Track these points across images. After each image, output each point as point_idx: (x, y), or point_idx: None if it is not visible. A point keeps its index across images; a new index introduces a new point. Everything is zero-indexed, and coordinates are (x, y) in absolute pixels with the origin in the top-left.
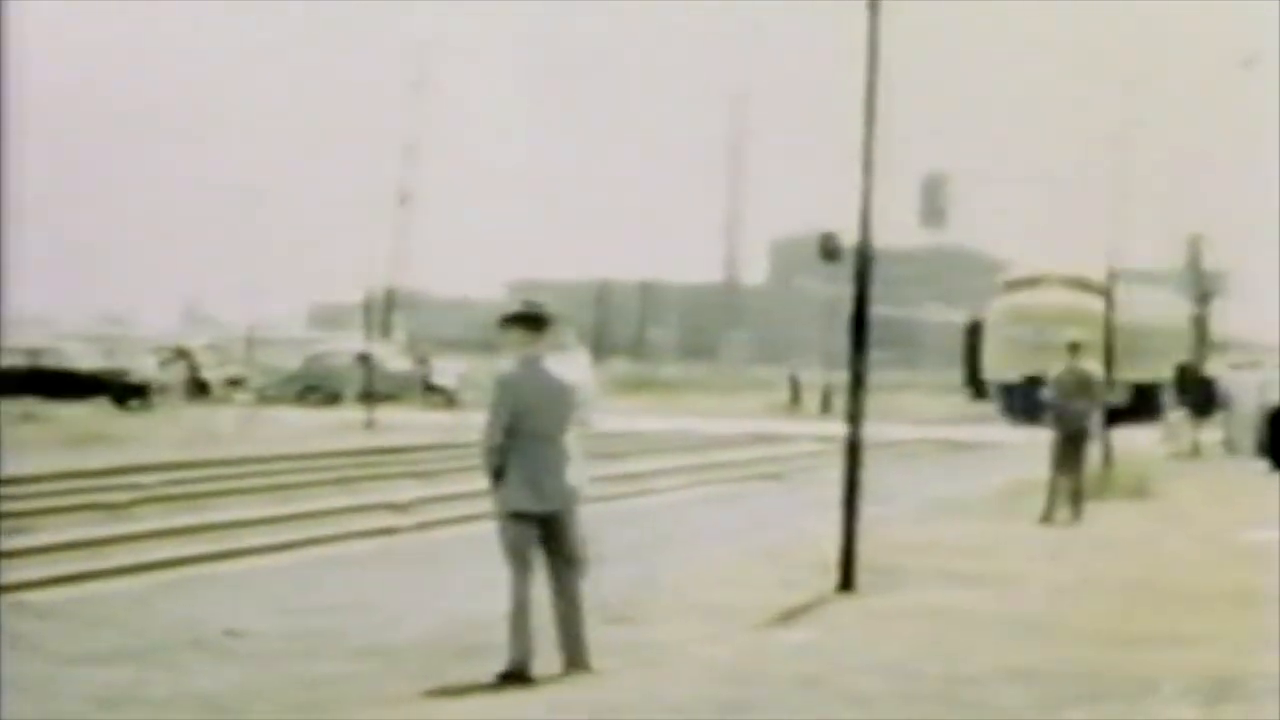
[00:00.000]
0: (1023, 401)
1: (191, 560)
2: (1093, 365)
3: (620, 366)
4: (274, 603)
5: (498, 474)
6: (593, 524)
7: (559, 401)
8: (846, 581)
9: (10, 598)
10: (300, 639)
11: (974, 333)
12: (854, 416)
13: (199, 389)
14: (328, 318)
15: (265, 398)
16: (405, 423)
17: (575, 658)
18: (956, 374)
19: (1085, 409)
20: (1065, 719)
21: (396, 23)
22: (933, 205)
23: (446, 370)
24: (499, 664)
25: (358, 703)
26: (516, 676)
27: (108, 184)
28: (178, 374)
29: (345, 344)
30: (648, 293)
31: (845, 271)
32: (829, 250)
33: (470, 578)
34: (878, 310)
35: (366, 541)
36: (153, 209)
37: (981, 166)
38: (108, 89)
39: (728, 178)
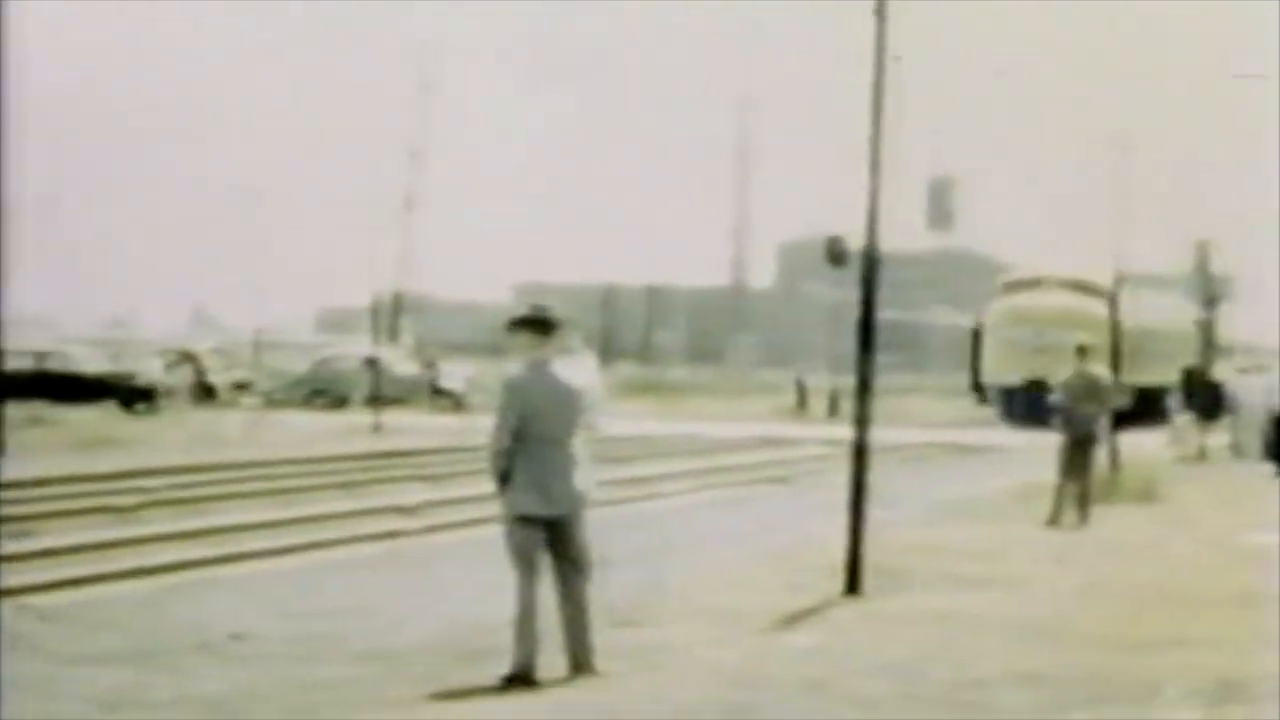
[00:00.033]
0: (1022, 405)
1: (197, 564)
2: (1101, 369)
3: (627, 370)
4: (279, 606)
5: (505, 478)
6: (599, 527)
7: (566, 405)
8: (853, 585)
9: (16, 600)
10: (305, 642)
11: (980, 336)
12: (861, 420)
13: (205, 393)
14: (335, 321)
15: (272, 401)
16: (413, 426)
17: (581, 661)
18: (963, 378)
19: (1093, 413)
20: None
21: (401, 23)
22: (940, 208)
23: (454, 374)
24: (504, 667)
25: (362, 706)
26: (522, 679)
27: (113, 186)
28: (184, 378)
29: (352, 348)
30: (654, 296)
31: (852, 275)
32: (836, 254)
33: (477, 581)
34: (884, 314)
35: (373, 545)
36: (158, 211)
37: (989, 170)
38: (111, 90)
39: (734, 181)
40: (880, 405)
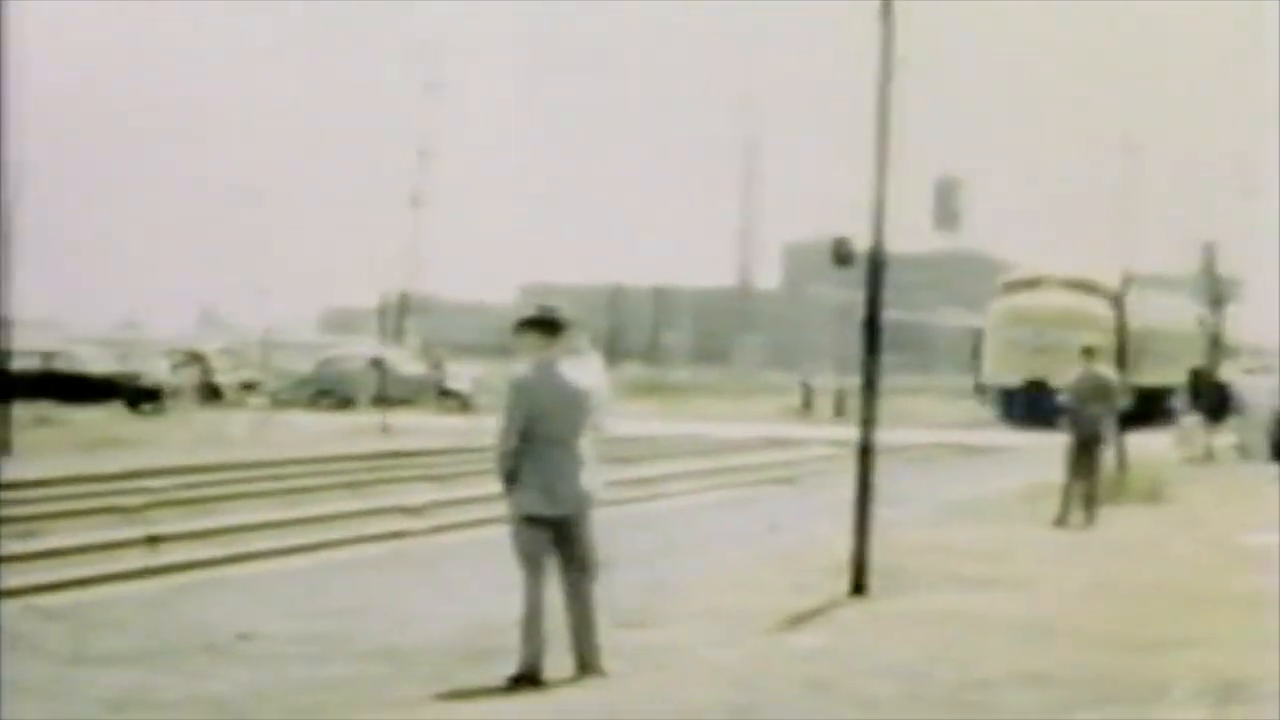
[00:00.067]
0: (1022, 406)
1: (204, 564)
2: (1108, 370)
3: (633, 370)
4: (285, 606)
5: (511, 478)
6: (605, 528)
7: (573, 406)
8: (858, 585)
9: (23, 600)
10: (311, 642)
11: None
12: (866, 421)
13: (212, 393)
14: (341, 321)
15: (279, 402)
16: (419, 427)
17: (587, 661)
18: (969, 379)
19: (1100, 413)
20: None
21: (404, 23)
22: (946, 209)
23: (460, 374)
24: (510, 667)
25: (368, 706)
26: (528, 679)
27: (119, 187)
28: (191, 378)
29: (359, 348)
30: (660, 297)
31: (858, 276)
32: (842, 255)
33: (483, 581)
34: (890, 315)
35: (380, 545)
36: (164, 212)
37: (995, 170)
38: (115, 90)
39: (740, 182)
40: (886, 406)
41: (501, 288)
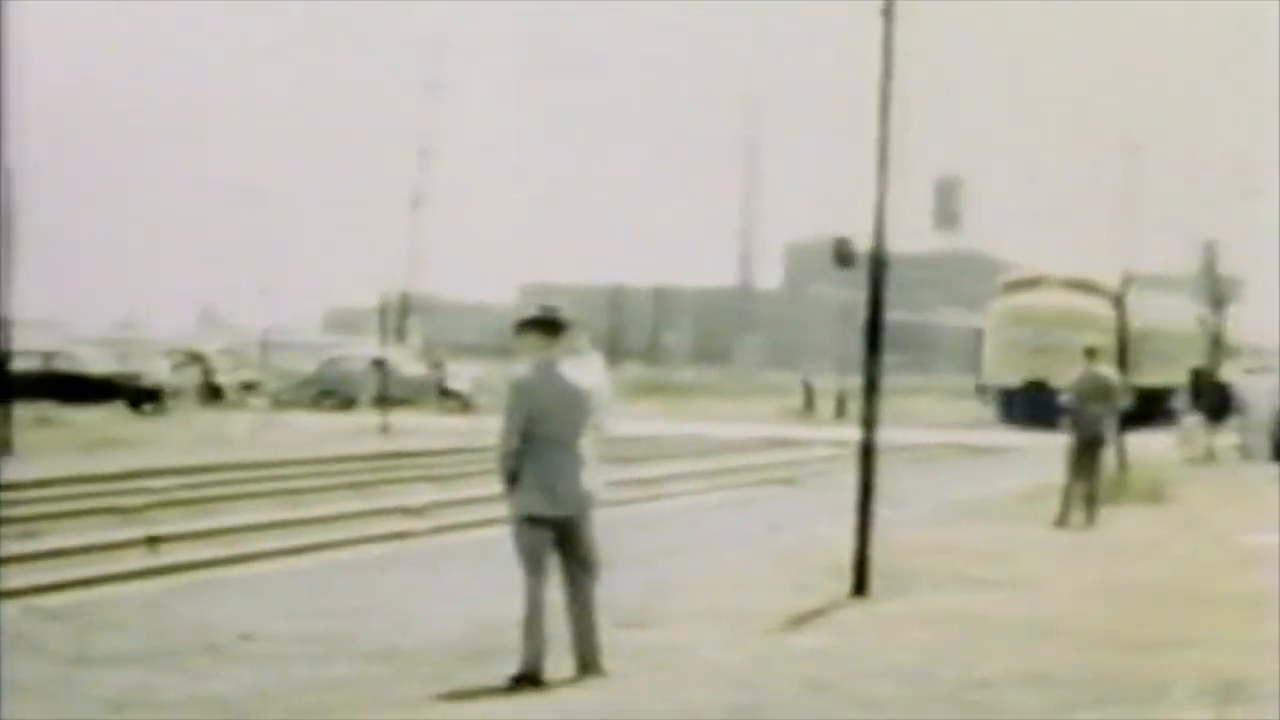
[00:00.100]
0: (1022, 406)
1: (205, 564)
2: (1110, 370)
3: (634, 371)
4: (287, 606)
5: (513, 478)
6: (607, 528)
7: (574, 406)
8: (860, 586)
9: (24, 601)
10: (313, 643)
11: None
12: (868, 421)
13: (213, 393)
14: (342, 322)
15: (280, 402)
16: (420, 427)
17: (588, 661)
18: (970, 379)
19: (1102, 414)
20: None
21: (406, 23)
22: (947, 209)
23: (461, 375)
24: (511, 667)
25: (370, 706)
26: (529, 680)
27: (120, 187)
28: (192, 378)
29: (360, 348)
30: (661, 297)
31: (859, 276)
32: (843, 255)
33: (484, 581)
34: (892, 315)
35: (381, 546)
36: (165, 212)
37: (996, 170)
38: (116, 90)
39: (742, 182)
40: (887, 406)
41: (502, 288)
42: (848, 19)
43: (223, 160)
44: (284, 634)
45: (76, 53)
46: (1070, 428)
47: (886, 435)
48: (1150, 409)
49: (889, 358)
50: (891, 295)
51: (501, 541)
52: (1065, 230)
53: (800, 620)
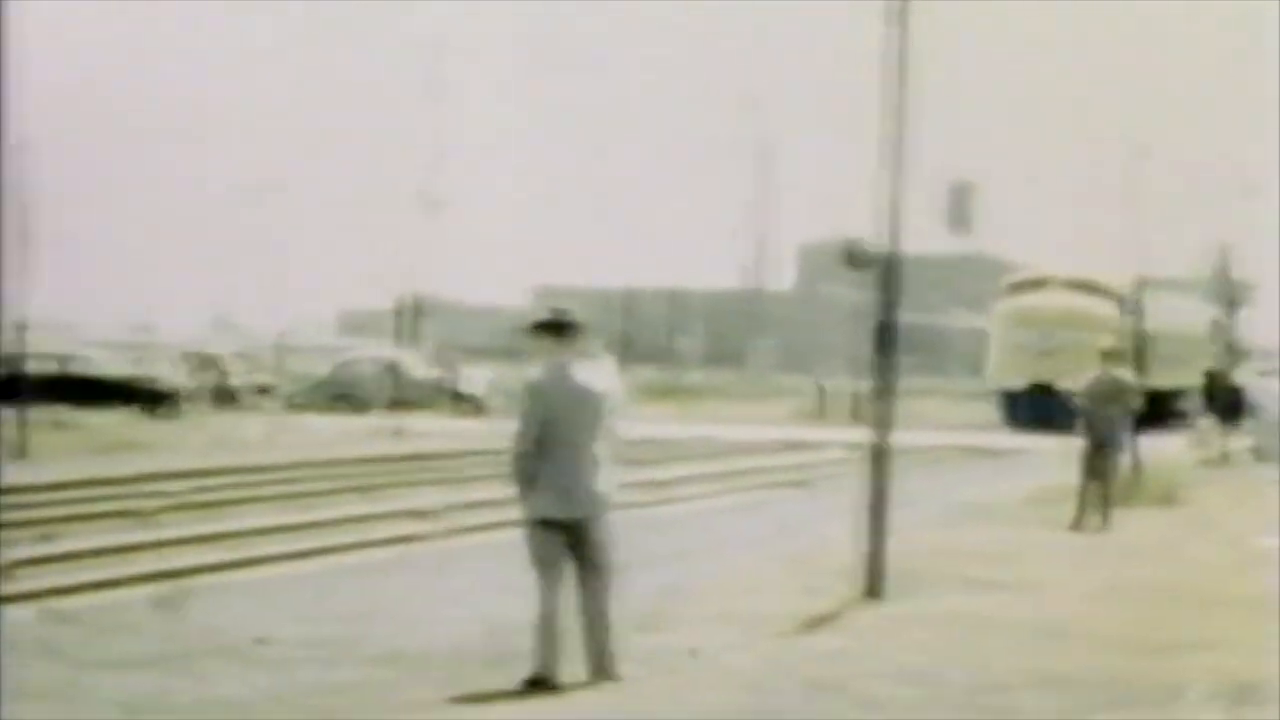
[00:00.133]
0: (1027, 409)
1: (217, 567)
2: (1124, 372)
3: (646, 373)
4: (298, 610)
5: (526, 481)
6: (619, 531)
7: (587, 409)
8: (872, 588)
9: (38, 604)
10: (324, 646)
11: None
12: (880, 423)
13: (227, 396)
14: (356, 324)
15: (293, 405)
16: (433, 430)
17: (601, 665)
18: (981, 381)
19: (1116, 416)
20: None
21: (415, 23)
22: (959, 211)
23: (474, 378)
24: (524, 670)
25: (382, 709)
26: (542, 683)
27: (133, 190)
28: (205, 382)
29: (373, 351)
30: (673, 300)
31: (871, 278)
32: (854, 257)
33: (497, 585)
34: (903, 317)
35: (392, 549)
36: (178, 215)
37: (1008, 172)
38: (127, 91)
39: (752, 183)
40: (899, 407)
41: (514, 291)
42: (856, 19)
43: (233, 162)
44: (295, 638)
45: (84, 54)
46: (1084, 430)
47: (898, 437)
48: (1160, 411)
49: (900, 359)
50: (903, 297)
51: (513, 544)
52: (1076, 232)
53: (812, 623)
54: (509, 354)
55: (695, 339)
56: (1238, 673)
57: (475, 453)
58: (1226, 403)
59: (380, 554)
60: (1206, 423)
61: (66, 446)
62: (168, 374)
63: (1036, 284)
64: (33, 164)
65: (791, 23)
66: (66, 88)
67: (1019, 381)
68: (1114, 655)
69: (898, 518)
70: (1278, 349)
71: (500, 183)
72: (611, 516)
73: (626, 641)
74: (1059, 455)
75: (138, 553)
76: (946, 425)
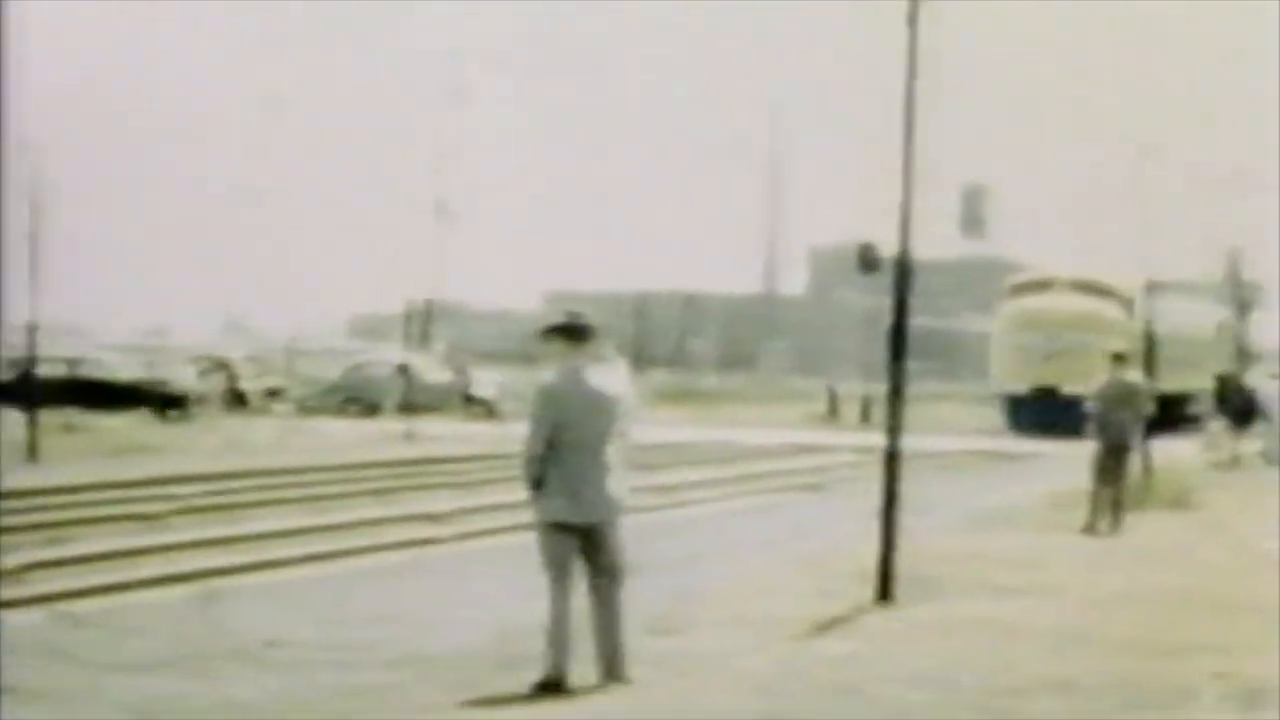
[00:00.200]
0: (1031, 414)
1: (229, 571)
2: (1137, 376)
3: (659, 377)
4: (311, 613)
5: (538, 484)
6: (632, 534)
7: (601, 412)
8: (885, 592)
9: (50, 607)
10: (337, 649)
11: None
12: (893, 427)
13: (238, 400)
14: (368, 328)
15: (305, 409)
16: (445, 434)
17: (613, 668)
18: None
19: (1128, 420)
20: None
21: (431, 28)
22: (973, 215)
23: (486, 381)
24: (536, 674)
25: (395, 712)
26: (553, 686)
27: (145, 193)
28: (217, 385)
29: (385, 355)
30: (687, 304)
31: (884, 281)
32: (867, 261)
33: (508, 588)
34: (916, 321)
35: (404, 552)
36: (190, 218)
37: (1021, 176)
38: (128, 93)
39: (767, 187)
40: (911, 412)
41: (527, 294)
42: (868, 22)
43: (249, 166)
44: (309, 640)
45: (93, 55)
46: (1096, 434)
47: (910, 441)
48: (1169, 414)
49: (912, 363)
50: (916, 301)
51: (525, 548)
52: (1089, 235)
53: (825, 626)
54: (521, 357)
55: (708, 343)
56: (1250, 676)
57: (487, 456)
58: (1238, 406)
59: (393, 557)
60: (1217, 426)
61: (77, 449)
62: (179, 377)
63: (1041, 285)
64: (44, 168)
65: (804, 27)
66: (67, 88)
67: (1022, 385)
68: (1126, 659)
69: (910, 522)
70: None
71: (513, 186)
72: (623, 520)
73: (638, 644)
74: (1071, 459)
75: (148, 556)
76: (959, 429)
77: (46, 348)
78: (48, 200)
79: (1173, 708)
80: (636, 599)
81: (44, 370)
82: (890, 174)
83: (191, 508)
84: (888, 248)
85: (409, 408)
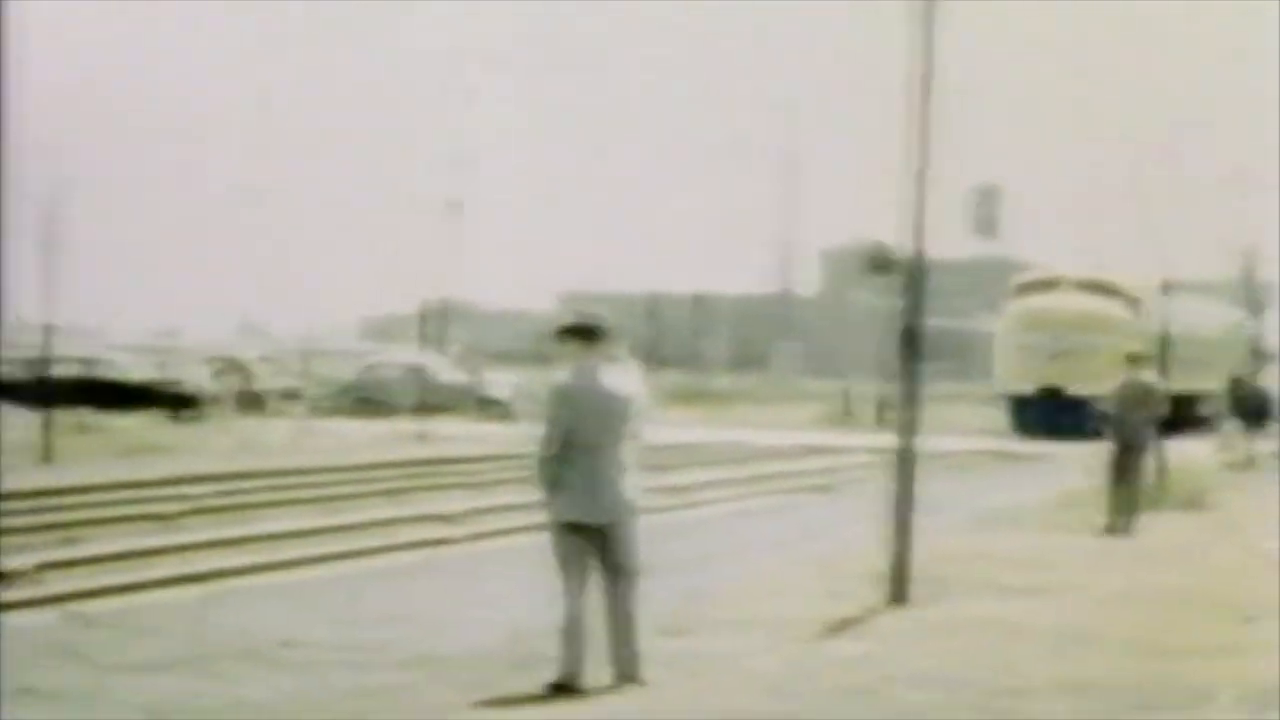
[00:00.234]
0: (1036, 415)
1: (242, 571)
2: (1151, 377)
3: (672, 378)
4: (324, 613)
5: (551, 484)
6: (644, 535)
7: (614, 413)
8: (897, 593)
9: (63, 607)
10: (351, 649)
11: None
12: (905, 428)
13: (252, 400)
14: (382, 329)
15: (319, 409)
16: (458, 434)
17: (626, 669)
18: None
19: (1143, 421)
20: None
21: (444, 29)
22: (984, 215)
23: (500, 382)
24: (549, 674)
25: (408, 713)
26: (567, 687)
27: (159, 194)
28: (230, 385)
29: (399, 355)
30: (699, 304)
31: (897, 282)
32: (880, 262)
33: (521, 589)
34: (928, 321)
35: (417, 553)
36: (204, 219)
37: (1032, 176)
38: (130, 93)
39: (780, 188)
40: (924, 412)
41: (540, 295)
42: (876, 22)
43: (264, 167)
44: (322, 641)
45: (98, 55)
46: (1111, 434)
47: (923, 442)
48: (1180, 415)
49: (926, 364)
50: (928, 302)
51: (538, 548)
52: (1103, 235)
53: (837, 627)
54: (535, 358)
55: (720, 343)
56: (1263, 678)
57: (501, 457)
58: (1251, 407)
59: (407, 558)
60: (1231, 426)
61: (91, 450)
62: (192, 378)
63: (1047, 285)
64: (57, 169)
65: (817, 27)
66: (67, 88)
67: (1027, 386)
68: (1138, 660)
69: (923, 522)
70: None
71: (526, 187)
72: (636, 520)
73: (650, 645)
74: (1077, 460)
75: (161, 556)
76: (972, 430)
77: (60, 348)
78: (61, 201)
79: (1186, 708)
80: (649, 599)
81: (58, 370)
82: (901, 175)
83: (204, 508)
84: (900, 248)
85: (423, 408)
